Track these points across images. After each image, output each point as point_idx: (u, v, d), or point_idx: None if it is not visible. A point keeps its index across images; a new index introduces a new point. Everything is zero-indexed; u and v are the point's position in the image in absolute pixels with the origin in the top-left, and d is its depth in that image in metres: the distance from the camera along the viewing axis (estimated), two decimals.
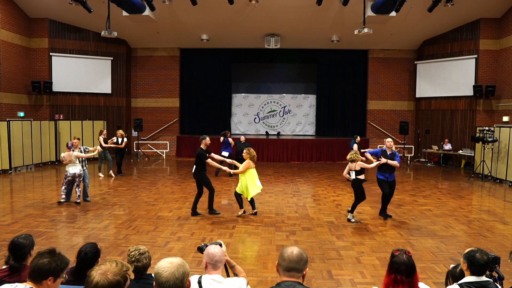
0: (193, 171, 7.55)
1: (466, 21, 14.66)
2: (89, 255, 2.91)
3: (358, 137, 11.77)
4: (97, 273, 1.81)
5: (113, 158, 12.42)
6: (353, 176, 7.10)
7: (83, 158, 8.53)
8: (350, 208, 7.27)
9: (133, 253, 2.82)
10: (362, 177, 7.11)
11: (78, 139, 8.57)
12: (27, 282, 2.26)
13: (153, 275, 2.80)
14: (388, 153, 7.29)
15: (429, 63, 16.07)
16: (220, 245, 2.71)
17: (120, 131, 12.09)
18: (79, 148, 8.44)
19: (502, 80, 13.97)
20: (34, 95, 15.46)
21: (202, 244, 2.80)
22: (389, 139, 7.46)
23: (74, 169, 8.18)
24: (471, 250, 2.74)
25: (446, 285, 3.16)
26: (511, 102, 13.39)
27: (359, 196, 7.12)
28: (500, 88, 14.03)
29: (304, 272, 2.25)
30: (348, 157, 7.08)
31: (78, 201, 8.23)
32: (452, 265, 3.15)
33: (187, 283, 2.01)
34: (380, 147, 11.56)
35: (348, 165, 7.17)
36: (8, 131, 12.28)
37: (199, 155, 7.33)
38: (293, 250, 2.27)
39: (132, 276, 2.16)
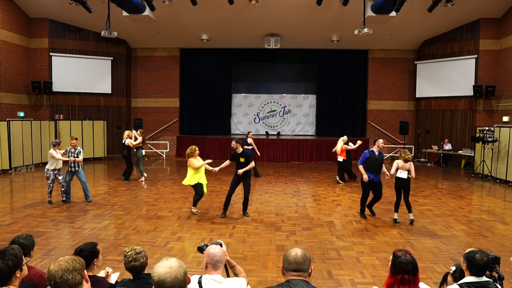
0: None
1: (466, 21, 14.66)
2: (84, 253, 2.83)
3: (345, 136, 11.52)
4: (54, 266, 1.91)
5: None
6: (405, 175, 6.96)
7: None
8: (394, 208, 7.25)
9: (129, 253, 2.81)
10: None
11: (76, 139, 8.63)
12: None
13: (152, 274, 2.81)
14: (376, 153, 7.35)
15: (429, 63, 16.07)
16: (221, 245, 2.71)
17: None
18: (76, 148, 8.48)
19: (502, 80, 13.97)
20: (34, 95, 15.45)
21: (203, 244, 2.79)
22: (381, 140, 7.45)
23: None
24: (471, 250, 2.74)
25: (441, 285, 3.16)
26: (511, 102, 13.40)
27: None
28: (500, 88, 14.03)
29: (310, 271, 2.32)
30: (407, 156, 6.91)
31: (63, 199, 8.40)
32: (452, 268, 3.13)
33: (188, 280, 2.03)
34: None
35: (397, 164, 6.99)
36: (8, 131, 12.28)
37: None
38: (297, 252, 2.31)
39: (124, 276, 2.19)
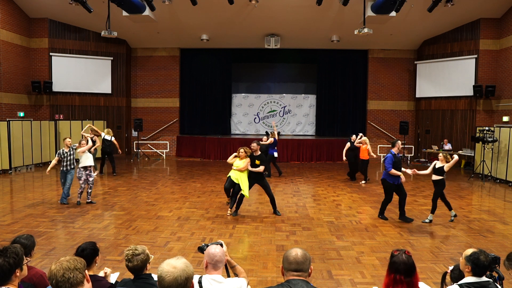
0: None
1: (466, 21, 14.66)
2: (87, 252, 2.89)
3: (354, 135, 11.82)
4: (55, 266, 1.93)
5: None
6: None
7: (72, 157, 8.43)
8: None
9: (127, 252, 2.78)
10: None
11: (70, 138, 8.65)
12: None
13: (152, 275, 2.82)
14: (398, 155, 7.37)
15: (429, 63, 16.07)
16: (221, 245, 2.71)
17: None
18: (72, 146, 8.39)
19: (502, 80, 13.97)
20: (34, 95, 15.45)
21: (203, 244, 2.80)
22: (400, 142, 7.53)
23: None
24: (474, 252, 2.71)
25: (442, 286, 3.16)
26: (511, 102, 13.40)
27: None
28: (500, 88, 14.03)
29: (310, 271, 2.33)
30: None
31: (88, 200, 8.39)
32: (450, 267, 3.13)
33: (191, 286, 2.00)
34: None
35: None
36: (8, 131, 12.28)
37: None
38: (297, 252, 2.32)
39: (124, 275, 2.18)
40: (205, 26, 15.30)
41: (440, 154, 7.20)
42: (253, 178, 7.56)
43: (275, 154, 12.13)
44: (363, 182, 11.35)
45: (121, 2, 11.47)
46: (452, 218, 7.27)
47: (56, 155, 8.35)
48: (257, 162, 7.52)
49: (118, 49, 16.74)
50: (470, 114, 14.92)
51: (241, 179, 7.41)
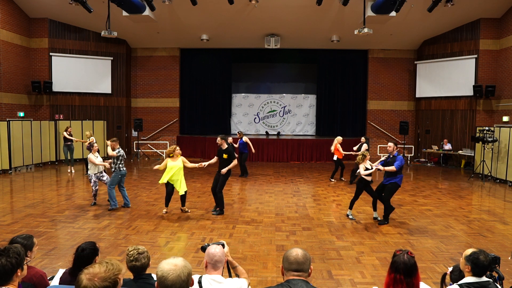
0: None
1: (466, 21, 14.66)
2: (87, 251, 2.91)
3: (363, 138, 11.79)
4: (85, 277, 1.76)
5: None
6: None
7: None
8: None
9: (131, 252, 2.82)
10: (368, 178, 7.26)
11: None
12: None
13: (152, 275, 2.82)
14: (389, 157, 7.39)
15: (429, 63, 16.07)
16: (223, 245, 2.71)
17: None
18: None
19: (502, 80, 13.97)
20: (34, 95, 15.45)
21: (206, 244, 2.81)
22: (389, 144, 7.55)
23: None
24: (473, 252, 2.71)
25: (441, 286, 3.16)
26: (511, 102, 13.40)
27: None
28: (500, 88, 14.03)
29: (310, 271, 2.33)
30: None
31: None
32: (449, 268, 3.13)
33: (191, 282, 2.02)
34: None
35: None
36: (8, 131, 12.28)
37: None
38: (298, 252, 2.33)
39: (124, 276, 2.07)
40: (205, 26, 15.30)
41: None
42: (222, 174, 7.44)
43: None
44: (332, 179, 11.61)
45: (121, 2, 11.47)
46: (350, 216, 7.41)
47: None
48: (225, 156, 7.43)
49: (118, 49, 16.74)
50: (470, 114, 14.92)
51: (180, 177, 7.32)
